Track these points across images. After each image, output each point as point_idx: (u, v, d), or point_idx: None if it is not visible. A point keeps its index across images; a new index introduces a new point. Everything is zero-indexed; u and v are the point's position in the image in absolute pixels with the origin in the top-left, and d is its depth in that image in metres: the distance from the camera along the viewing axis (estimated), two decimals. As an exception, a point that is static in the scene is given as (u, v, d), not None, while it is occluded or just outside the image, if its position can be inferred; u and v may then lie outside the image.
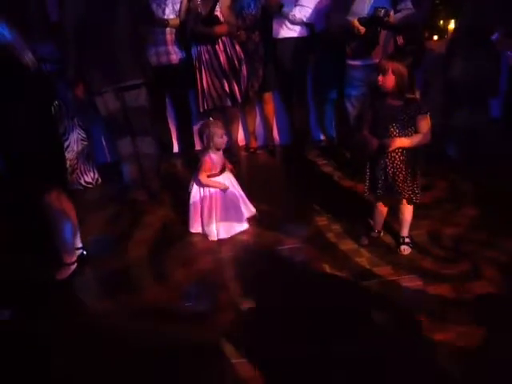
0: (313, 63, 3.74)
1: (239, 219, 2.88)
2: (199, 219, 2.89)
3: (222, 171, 2.87)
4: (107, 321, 2.28)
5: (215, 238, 2.84)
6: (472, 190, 3.13)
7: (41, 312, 2.40)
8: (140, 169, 3.45)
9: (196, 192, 2.87)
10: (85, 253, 2.72)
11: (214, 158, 2.83)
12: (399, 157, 2.35)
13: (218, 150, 2.83)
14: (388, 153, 2.34)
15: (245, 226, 2.90)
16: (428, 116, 2.26)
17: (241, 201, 2.91)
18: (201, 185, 2.84)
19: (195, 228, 2.92)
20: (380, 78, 2.25)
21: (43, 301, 2.47)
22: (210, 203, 2.84)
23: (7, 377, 2.01)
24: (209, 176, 2.83)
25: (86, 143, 3.70)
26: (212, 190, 2.83)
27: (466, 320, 2.03)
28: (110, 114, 3.22)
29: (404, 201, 2.46)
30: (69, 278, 2.58)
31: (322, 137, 4.19)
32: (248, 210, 2.96)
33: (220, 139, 2.79)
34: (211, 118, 2.86)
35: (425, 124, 2.27)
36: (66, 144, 3.58)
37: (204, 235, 2.89)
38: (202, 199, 2.85)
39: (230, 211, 2.85)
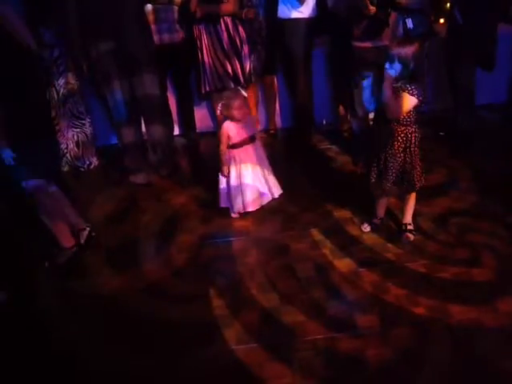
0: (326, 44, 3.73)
1: (262, 192, 2.90)
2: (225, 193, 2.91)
3: (243, 143, 2.82)
4: (107, 297, 2.33)
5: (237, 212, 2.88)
6: (473, 176, 3.12)
7: (40, 291, 2.44)
8: (142, 156, 3.44)
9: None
10: (93, 234, 2.73)
11: (231, 127, 2.79)
12: (399, 145, 2.33)
13: (237, 121, 2.78)
14: (390, 142, 2.33)
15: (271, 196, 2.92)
16: (411, 97, 2.22)
17: (258, 182, 2.87)
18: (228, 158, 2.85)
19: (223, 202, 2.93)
20: (387, 65, 2.23)
21: (42, 280, 2.51)
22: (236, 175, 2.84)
23: (10, 355, 2.04)
24: (230, 146, 2.82)
25: (77, 130, 3.64)
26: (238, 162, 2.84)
27: (467, 306, 2.06)
28: (118, 104, 3.19)
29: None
30: (69, 261, 2.59)
31: (325, 121, 4.15)
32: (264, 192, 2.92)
33: (236, 111, 2.74)
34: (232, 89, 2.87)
35: (404, 100, 2.24)
36: (57, 129, 3.51)
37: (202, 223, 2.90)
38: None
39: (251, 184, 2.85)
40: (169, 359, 1.95)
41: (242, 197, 2.84)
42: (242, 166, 2.82)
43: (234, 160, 2.83)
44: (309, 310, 2.13)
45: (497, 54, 3.28)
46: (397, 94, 2.25)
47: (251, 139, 2.86)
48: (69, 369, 1.96)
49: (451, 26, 3.36)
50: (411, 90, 2.22)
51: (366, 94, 3.12)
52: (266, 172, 2.91)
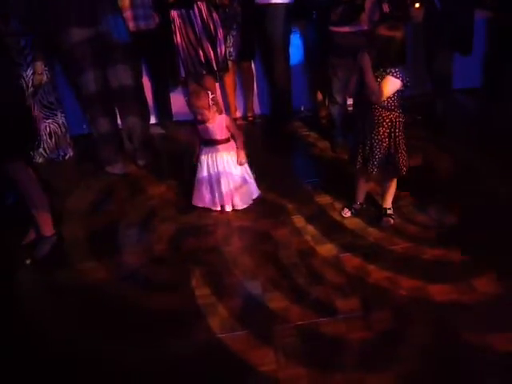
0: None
1: (210, 198, 2.80)
2: None
3: (211, 143, 2.72)
4: (88, 286, 2.31)
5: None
6: (449, 160, 3.17)
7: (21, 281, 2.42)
8: (118, 146, 3.39)
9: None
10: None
11: (198, 127, 2.72)
12: (384, 130, 2.33)
13: (201, 122, 2.67)
14: (373, 126, 2.33)
15: (215, 207, 2.80)
16: (394, 80, 2.21)
17: (218, 184, 2.75)
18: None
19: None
20: (371, 48, 2.22)
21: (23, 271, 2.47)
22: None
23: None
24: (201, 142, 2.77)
25: (49, 121, 3.53)
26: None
27: (447, 286, 2.12)
28: (92, 95, 3.11)
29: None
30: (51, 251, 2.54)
31: (303, 107, 4.14)
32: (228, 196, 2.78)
33: (198, 113, 2.61)
34: (192, 86, 2.74)
35: (386, 83, 2.23)
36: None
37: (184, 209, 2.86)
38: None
39: (203, 184, 2.79)
40: (153, 347, 1.93)
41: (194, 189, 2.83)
42: (203, 164, 2.75)
43: (199, 155, 2.79)
44: (292, 295, 2.14)
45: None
46: (380, 78, 2.24)
47: (220, 142, 2.72)
48: (53, 359, 1.94)
49: (428, 10, 3.37)
50: (395, 72, 2.21)
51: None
52: (227, 183, 2.74)
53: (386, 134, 2.34)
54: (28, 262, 2.49)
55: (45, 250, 2.52)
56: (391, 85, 2.23)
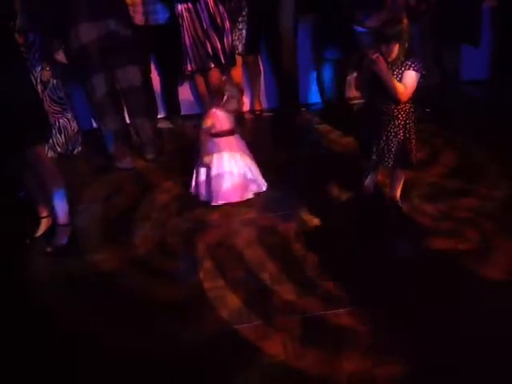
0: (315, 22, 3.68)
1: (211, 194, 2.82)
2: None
3: (227, 134, 2.77)
4: (101, 276, 2.35)
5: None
6: (456, 153, 3.15)
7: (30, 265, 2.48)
8: (127, 141, 3.41)
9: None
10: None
11: (220, 116, 2.73)
12: (399, 122, 2.32)
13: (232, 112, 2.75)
14: (391, 120, 2.33)
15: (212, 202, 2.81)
16: (415, 73, 2.20)
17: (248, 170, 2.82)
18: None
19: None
20: (383, 47, 2.19)
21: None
22: None
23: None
24: (213, 135, 2.76)
25: (58, 116, 3.55)
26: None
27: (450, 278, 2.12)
28: (101, 94, 3.13)
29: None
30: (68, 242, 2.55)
31: (317, 99, 4.13)
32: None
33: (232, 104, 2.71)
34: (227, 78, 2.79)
35: (408, 78, 2.21)
36: None
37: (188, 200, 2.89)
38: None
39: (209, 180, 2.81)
40: (160, 338, 1.95)
41: (225, 186, 2.78)
42: (228, 153, 2.76)
43: (219, 148, 2.77)
44: (300, 288, 2.14)
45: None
46: (398, 70, 2.22)
47: (233, 132, 2.81)
48: (61, 348, 1.97)
49: (437, 2, 3.34)
50: (413, 65, 2.20)
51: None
52: (252, 164, 2.85)
53: (401, 125, 2.33)
54: (49, 249, 2.52)
55: (64, 239, 2.54)
56: (413, 79, 2.21)
